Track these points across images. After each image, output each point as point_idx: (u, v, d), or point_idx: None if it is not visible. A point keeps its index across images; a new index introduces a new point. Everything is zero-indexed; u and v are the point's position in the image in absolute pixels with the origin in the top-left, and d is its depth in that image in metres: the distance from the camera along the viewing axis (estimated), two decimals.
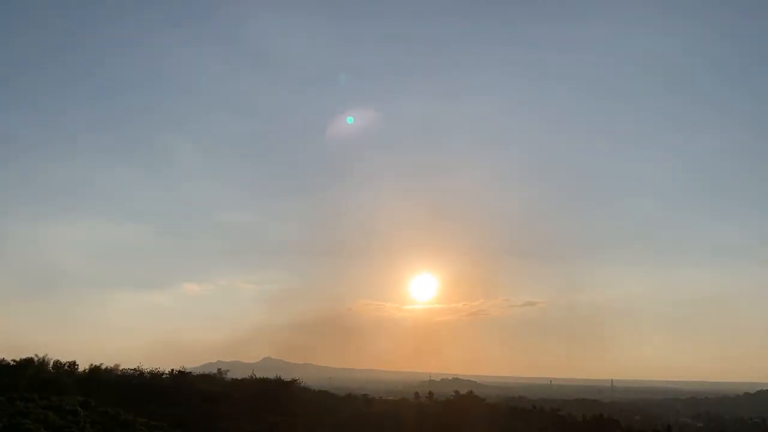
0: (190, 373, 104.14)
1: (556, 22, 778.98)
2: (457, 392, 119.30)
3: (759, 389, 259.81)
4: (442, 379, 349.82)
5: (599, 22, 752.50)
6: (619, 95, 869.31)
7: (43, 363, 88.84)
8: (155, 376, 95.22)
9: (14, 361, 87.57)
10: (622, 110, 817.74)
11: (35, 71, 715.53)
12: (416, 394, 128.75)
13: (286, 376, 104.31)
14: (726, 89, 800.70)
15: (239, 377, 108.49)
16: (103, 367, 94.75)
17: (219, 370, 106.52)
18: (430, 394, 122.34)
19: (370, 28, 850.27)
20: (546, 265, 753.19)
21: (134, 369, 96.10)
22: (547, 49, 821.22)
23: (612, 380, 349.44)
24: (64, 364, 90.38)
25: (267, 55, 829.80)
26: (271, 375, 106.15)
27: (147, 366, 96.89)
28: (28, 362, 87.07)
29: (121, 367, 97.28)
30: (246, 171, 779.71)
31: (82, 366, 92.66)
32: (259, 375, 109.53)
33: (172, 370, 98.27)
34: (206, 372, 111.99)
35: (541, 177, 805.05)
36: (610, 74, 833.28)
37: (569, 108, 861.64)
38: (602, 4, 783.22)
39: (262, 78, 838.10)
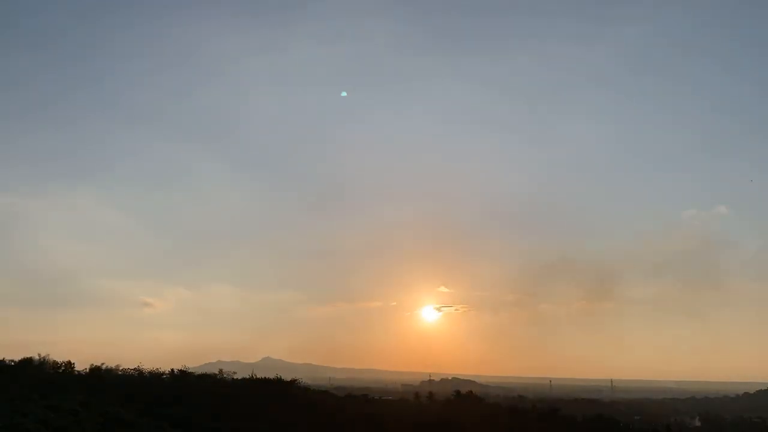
0: (191, 373, 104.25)
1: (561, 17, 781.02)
2: (457, 392, 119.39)
3: (759, 389, 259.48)
4: (442, 379, 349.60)
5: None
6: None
7: (43, 363, 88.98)
8: (155, 376, 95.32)
9: (14, 361, 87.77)
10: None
11: None
12: (416, 394, 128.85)
13: (286, 376, 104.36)
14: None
15: (239, 377, 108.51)
16: (104, 367, 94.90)
17: (220, 370, 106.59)
18: (430, 394, 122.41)
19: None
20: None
21: (134, 369, 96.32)
22: (553, 45, 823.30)
23: (612, 380, 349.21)
24: (65, 364, 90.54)
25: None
26: (271, 375, 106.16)
27: (147, 366, 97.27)
28: (28, 362, 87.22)
29: (121, 367, 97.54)
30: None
31: (83, 366, 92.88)
32: (259, 375, 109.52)
33: (173, 370, 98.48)
34: (207, 372, 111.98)
35: (543, 176, 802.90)
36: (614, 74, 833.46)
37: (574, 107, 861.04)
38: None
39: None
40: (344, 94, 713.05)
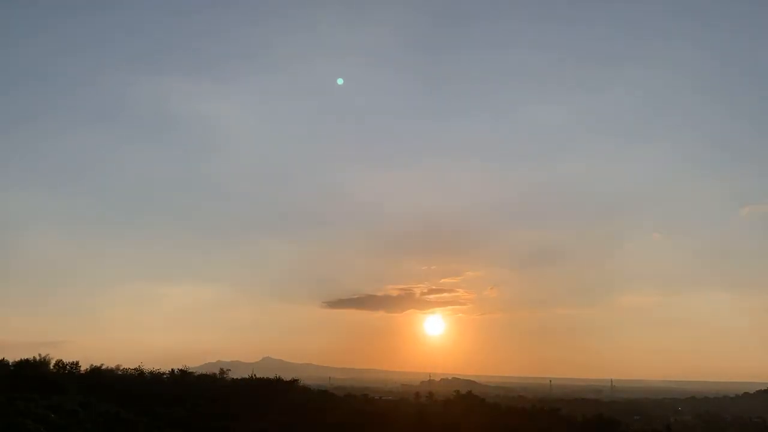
0: (191, 373, 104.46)
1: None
2: (457, 392, 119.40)
3: (759, 389, 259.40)
4: (441, 379, 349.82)
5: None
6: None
7: (43, 363, 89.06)
8: (155, 376, 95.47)
9: (15, 361, 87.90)
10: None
11: None
12: (416, 394, 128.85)
13: (286, 376, 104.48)
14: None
15: (239, 377, 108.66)
16: (104, 367, 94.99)
17: (221, 369, 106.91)
18: (430, 394, 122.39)
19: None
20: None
21: (134, 369, 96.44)
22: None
23: (612, 380, 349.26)
24: (65, 364, 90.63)
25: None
26: (271, 375, 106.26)
27: (148, 366, 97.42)
28: (28, 362, 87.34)
29: (121, 367, 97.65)
30: None
31: (83, 366, 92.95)
32: (259, 375, 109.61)
33: (173, 370, 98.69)
34: (207, 372, 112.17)
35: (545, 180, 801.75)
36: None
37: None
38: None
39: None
40: (340, 81, 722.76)
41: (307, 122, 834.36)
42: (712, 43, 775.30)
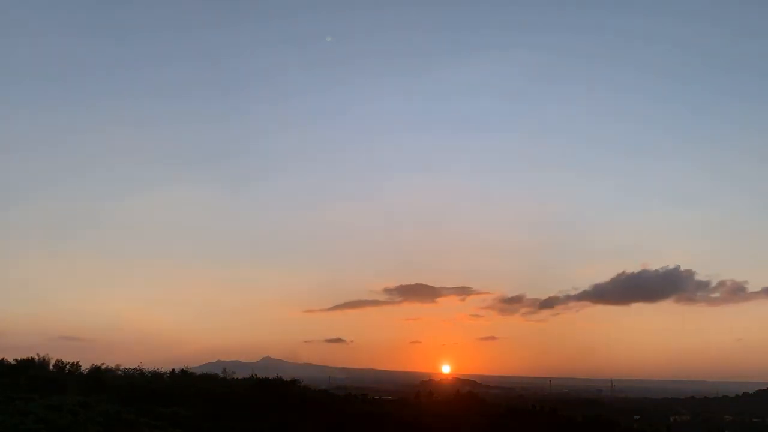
0: (192, 373, 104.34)
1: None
2: (457, 392, 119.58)
3: (759, 389, 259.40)
4: (442, 379, 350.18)
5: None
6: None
7: (43, 363, 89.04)
8: (156, 376, 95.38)
9: (14, 360, 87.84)
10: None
11: None
12: (416, 394, 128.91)
13: (286, 376, 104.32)
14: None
15: (239, 377, 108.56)
16: (104, 366, 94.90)
17: (224, 370, 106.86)
18: (430, 394, 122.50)
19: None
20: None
21: (135, 368, 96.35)
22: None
23: (612, 380, 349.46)
24: (65, 364, 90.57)
25: None
26: (271, 375, 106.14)
27: (147, 366, 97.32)
28: (28, 362, 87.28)
29: (121, 367, 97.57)
30: None
31: (83, 366, 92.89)
32: (259, 375, 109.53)
33: (173, 369, 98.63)
34: (206, 372, 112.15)
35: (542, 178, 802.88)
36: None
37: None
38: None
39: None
40: (329, 39, 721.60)
41: None
42: None
